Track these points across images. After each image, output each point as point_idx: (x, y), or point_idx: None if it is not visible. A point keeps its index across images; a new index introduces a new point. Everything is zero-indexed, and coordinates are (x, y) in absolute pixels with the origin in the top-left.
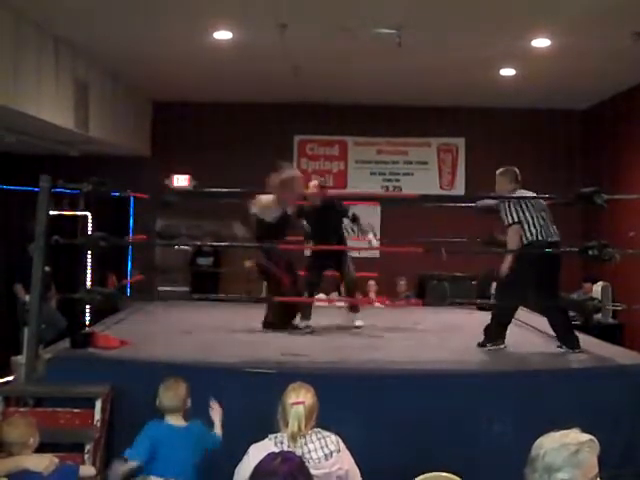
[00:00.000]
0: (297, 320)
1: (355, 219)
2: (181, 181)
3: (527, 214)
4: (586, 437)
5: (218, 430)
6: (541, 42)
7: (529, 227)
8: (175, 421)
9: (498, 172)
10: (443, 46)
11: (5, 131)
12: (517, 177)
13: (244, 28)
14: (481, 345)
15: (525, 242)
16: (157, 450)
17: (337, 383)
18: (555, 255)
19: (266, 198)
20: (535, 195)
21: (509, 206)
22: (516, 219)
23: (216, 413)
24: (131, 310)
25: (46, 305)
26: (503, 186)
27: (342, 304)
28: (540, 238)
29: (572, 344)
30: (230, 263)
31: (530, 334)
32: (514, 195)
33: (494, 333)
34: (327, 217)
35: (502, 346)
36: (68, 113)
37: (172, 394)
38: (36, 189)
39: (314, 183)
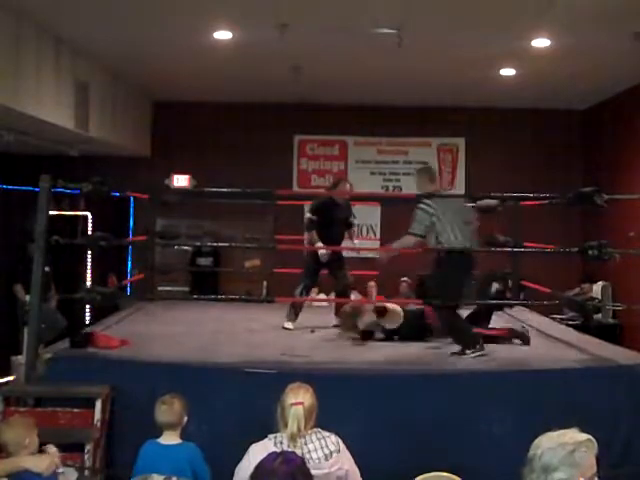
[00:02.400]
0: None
1: (350, 225)
2: (181, 181)
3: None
4: (584, 437)
5: None
6: (541, 42)
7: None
8: (169, 438)
9: (416, 170)
10: (443, 46)
11: (5, 131)
12: (434, 176)
13: (244, 28)
14: (459, 354)
15: (439, 243)
16: (146, 470)
17: (337, 383)
18: (466, 258)
19: None
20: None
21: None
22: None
23: None
24: (131, 310)
25: (46, 305)
26: (423, 185)
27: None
28: (453, 240)
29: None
30: (230, 263)
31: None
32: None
33: (467, 338)
34: (336, 217)
35: (484, 351)
36: (68, 113)
37: (167, 408)
38: (36, 189)
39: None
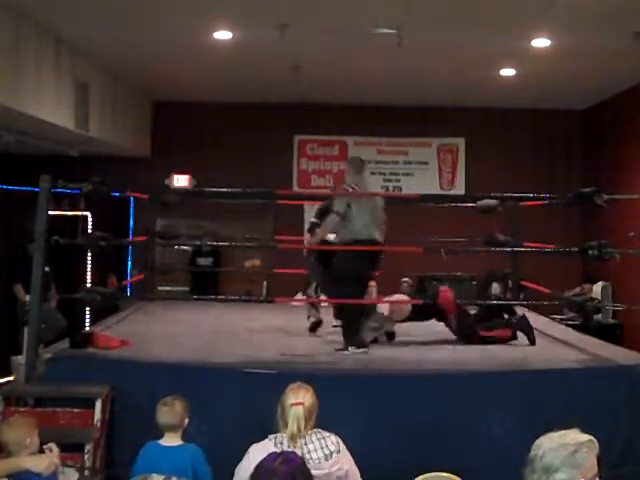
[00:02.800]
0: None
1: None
2: (181, 181)
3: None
4: (585, 437)
5: None
6: (541, 42)
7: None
8: (170, 440)
9: (346, 161)
10: (443, 46)
11: (5, 131)
12: (359, 168)
13: (244, 28)
14: (342, 349)
15: (349, 236)
16: (145, 470)
17: (337, 383)
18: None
19: None
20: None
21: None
22: (341, 210)
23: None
24: (131, 310)
25: (46, 305)
26: (349, 175)
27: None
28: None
29: (351, 342)
30: (230, 263)
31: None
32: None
33: (354, 335)
34: None
35: (367, 349)
36: (68, 113)
37: (168, 410)
38: (36, 189)
39: None
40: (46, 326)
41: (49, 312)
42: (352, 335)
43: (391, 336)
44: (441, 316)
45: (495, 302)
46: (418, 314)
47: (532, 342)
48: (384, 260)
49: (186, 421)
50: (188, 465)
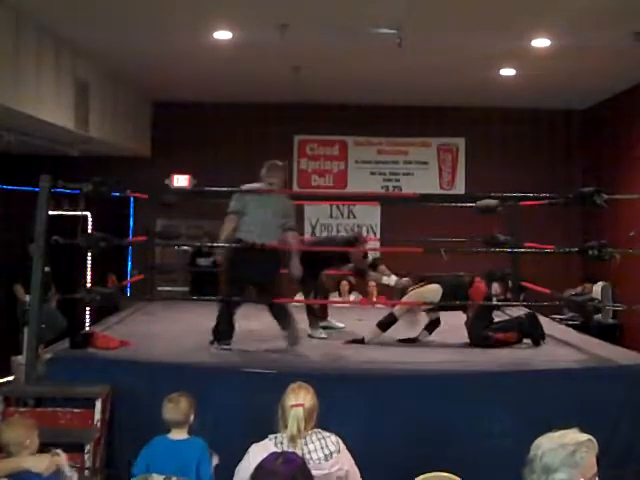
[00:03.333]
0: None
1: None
2: (181, 181)
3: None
4: (584, 437)
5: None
6: (541, 42)
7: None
8: (177, 435)
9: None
10: (443, 46)
11: (5, 131)
12: (269, 172)
13: (244, 28)
14: (211, 343)
15: (237, 235)
16: (155, 465)
17: (337, 383)
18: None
19: None
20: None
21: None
22: (235, 209)
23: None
24: (131, 310)
25: (46, 305)
26: (281, 179)
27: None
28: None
29: (217, 337)
30: None
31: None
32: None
33: (221, 331)
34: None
35: (229, 346)
36: (68, 113)
37: (173, 406)
38: (36, 189)
39: None
40: (46, 326)
41: (49, 312)
42: (218, 330)
43: (435, 324)
44: (465, 307)
45: (495, 303)
46: (447, 298)
47: (536, 343)
48: (384, 260)
49: (192, 417)
50: (194, 460)
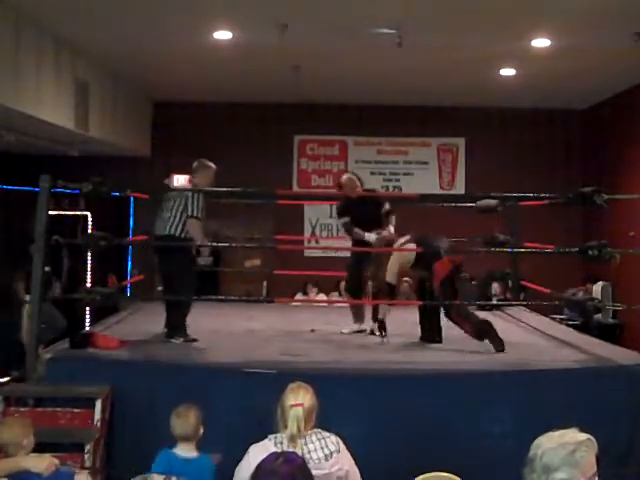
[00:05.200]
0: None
1: (389, 212)
2: (181, 181)
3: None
4: (584, 436)
5: None
6: (541, 42)
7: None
8: (185, 450)
9: (205, 164)
10: (443, 46)
11: (5, 131)
12: (201, 168)
13: (244, 28)
14: (168, 337)
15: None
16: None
17: (337, 383)
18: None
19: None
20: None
21: (198, 198)
22: (198, 214)
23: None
24: (131, 310)
25: (46, 305)
26: (204, 179)
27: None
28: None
29: (179, 333)
30: (230, 263)
31: (530, 334)
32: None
33: (181, 326)
34: (366, 211)
35: (191, 337)
36: (68, 113)
37: (182, 421)
38: (36, 189)
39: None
40: (46, 326)
41: (49, 312)
42: (177, 326)
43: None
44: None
45: (496, 303)
46: (417, 265)
47: (497, 349)
48: None
49: (201, 431)
50: (202, 478)
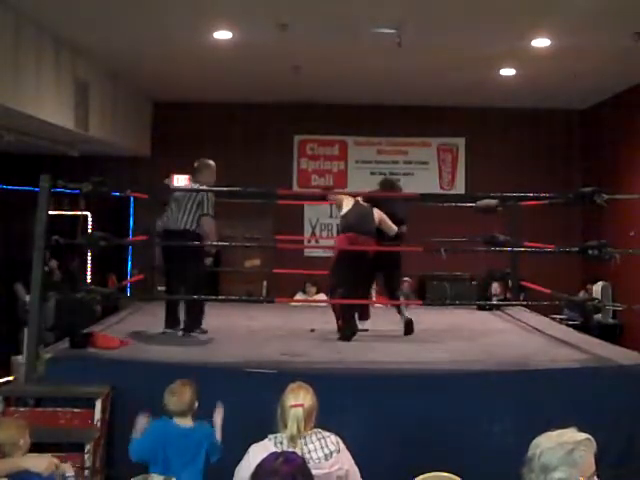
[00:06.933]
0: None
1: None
2: (181, 181)
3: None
4: (582, 436)
5: (218, 434)
6: (541, 42)
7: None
8: (182, 422)
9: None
10: (443, 46)
11: (5, 131)
12: (200, 169)
13: (244, 28)
14: (186, 331)
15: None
16: (160, 450)
17: (337, 383)
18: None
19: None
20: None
21: (209, 198)
22: (212, 212)
23: (218, 417)
24: (131, 310)
25: (46, 305)
26: (208, 178)
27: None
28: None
29: (197, 326)
30: (230, 263)
31: (530, 334)
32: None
33: (200, 320)
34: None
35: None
36: (68, 113)
37: (176, 399)
38: (36, 189)
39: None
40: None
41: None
42: (191, 321)
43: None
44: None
45: (496, 303)
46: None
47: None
48: None
49: (196, 404)
50: (203, 447)
